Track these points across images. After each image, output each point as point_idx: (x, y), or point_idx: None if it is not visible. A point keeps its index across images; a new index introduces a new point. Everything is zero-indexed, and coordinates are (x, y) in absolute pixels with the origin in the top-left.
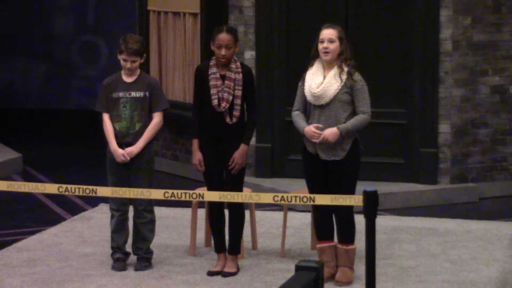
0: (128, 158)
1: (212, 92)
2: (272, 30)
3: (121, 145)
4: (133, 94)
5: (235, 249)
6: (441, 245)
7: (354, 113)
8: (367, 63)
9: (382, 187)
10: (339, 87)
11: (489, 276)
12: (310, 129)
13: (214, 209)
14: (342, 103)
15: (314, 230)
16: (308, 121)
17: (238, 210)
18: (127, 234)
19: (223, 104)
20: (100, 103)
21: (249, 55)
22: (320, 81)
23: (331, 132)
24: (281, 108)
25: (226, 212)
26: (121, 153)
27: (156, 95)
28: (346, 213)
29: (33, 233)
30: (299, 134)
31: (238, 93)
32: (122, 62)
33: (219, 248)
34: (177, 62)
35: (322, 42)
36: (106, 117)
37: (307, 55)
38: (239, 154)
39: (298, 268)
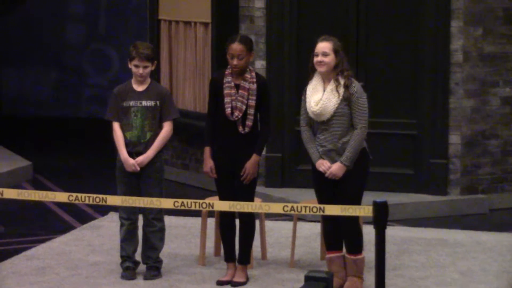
0: (138, 168)
1: (225, 100)
2: (283, 40)
3: (132, 154)
4: (144, 103)
5: (245, 258)
6: (451, 256)
7: None
8: (377, 73)
9: (392, 198)
10: (338, 102)
11: None
12: (319, 166)
13: (225, 218)
14: (343, 117)
15: (323, 240)
16: (315, 135)
17: (248, 219)
18: (137, 243)
19: (236, 113)
20: (110, 111)
21: (260, 64)
22: (319, 98)
23: (337, 167)
24: (291, 118)
25: (237, 221)
26: (131, 163)
27: (166, 104)
28: (351, 223)
29: (43, 241)
30: None
31: (252, 102)
32: (134, 69)
33: (229, 257)
34: (188, 71)
35: (317, 55)
36: (116, 126)
37: None
38: (251, 164)
39: (307, 278)
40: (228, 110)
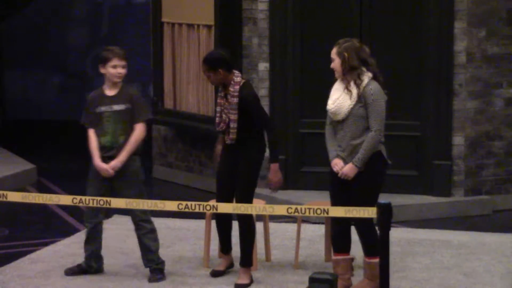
0: (112, 172)
1: (216, 109)
2: (286, 42)
3: (105, 158)
4: (115, 107)
5: (247, 261)
6: (455, 257)
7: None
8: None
9: (396, 200)
10: (353, 103)
11: None
12: (333, 165)
13: (220, 215)
14: (358, 118)
15: (331, 241)
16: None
17: (245, 222)
18: (96, 245)
19: (221, 125)
20: (84, 118)
21: (263, 66)
22: (337, 97)
23: (348, 168)
24: (295, 120)
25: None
26: (105, 168)
27: (137, 106)
28: (364, 225)
29: (47, 244)
30: (313, 146)
31: (232, 117)
32: (112, 71)
33: (224, 249)
34: (191, 74)
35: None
36: (91, 132)
37: (321, 67)
38: (272, 174)
39: (311, 280)
40: (217, 120)
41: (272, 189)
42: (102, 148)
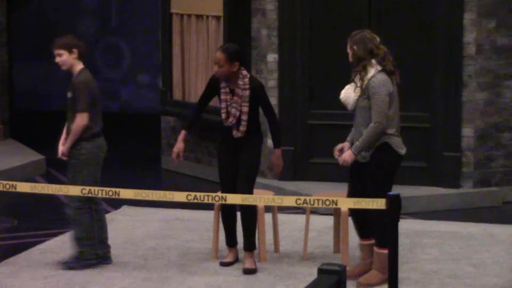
0: (62, 157)
1: (221, 105)
2: (295, 33)
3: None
4: (68, 94)
5: (251, 245)
6: (464, 249)
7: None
8: None
9: (405, 191)
10: (357, 94)
11: None
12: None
13: (226, 207)
14: (363, 110)
15: (355, 229)
16: None
17: (247, 207)
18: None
19: (230, 119)
20: None
21: (272, 58)
22: (347, 88)
23: (347, 154)
24: (304, 111)
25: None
26: (59, 153)
27: (76, 95)
28: (378, 216)
29: (56, 235)
30: (321, 137)
31: (245, 109)
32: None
33: (231, 242)
34: (200, 65)
35: None
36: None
37: (330, 58)
38: (276, 158)
39: (320, 271)
40: (224, 115)
41: (274, 172)
42: (67, 133)
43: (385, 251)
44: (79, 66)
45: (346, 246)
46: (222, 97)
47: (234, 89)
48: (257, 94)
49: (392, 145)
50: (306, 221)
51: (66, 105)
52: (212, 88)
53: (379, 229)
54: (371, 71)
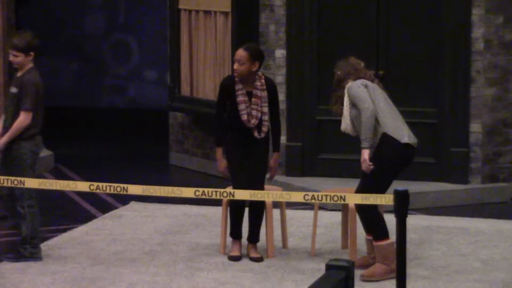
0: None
1: (240, 107)
2: (303, 29)
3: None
4: (12, 89)
5: (257, 237)
6: (472, 244)
7: (377, 117)
8: (398, 62)
9: (413, 187)
10: (347, 110)
11: None
12: None
13: (235, 202)
14: (357, 118)
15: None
16: None
17: (257, 203)
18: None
19: (253, 121)
20: None
21: (280, 53)
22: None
23: (362, 155)
24: (312, 107)
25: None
26: None
27: (22, 93)
28: (358, 212)
29: (64, 231)
30: (329, 133)
31: (265, 109)
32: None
33: (237, 235)
34: (208, 61)
35: None
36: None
37: (338, 54)
38: (275, 163)
39: (328, 267)
40: (245, 117)
41: (270, 175)
42: (4, 127)
43: (382, 243)
44: (30, 65)
45: (354, 242)
46: (240, 99)
47: (251, 91)
48: (273, 95)
49: (391, 134)
50: (314, 217)
51: (7, 99)
52: (226, 94)
53: (367, 224)
54: (349, 83)
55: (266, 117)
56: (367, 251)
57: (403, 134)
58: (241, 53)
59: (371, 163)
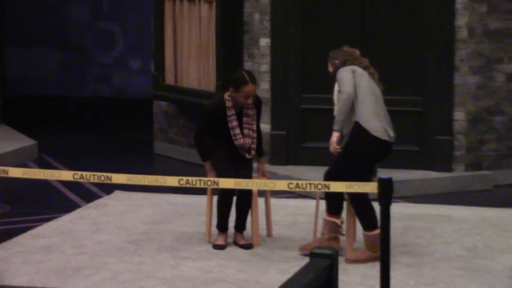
0: None
1: (235, 132)
2: (288, 18)
3: None
4: None
5: (243, 226)
6: (456, 232)
7: (354, 104)
8: (382, 51)
9: (397, 175)
10: (336, 96)
11: (504, 264)
12: None
13: (225, 196)
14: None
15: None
16: None
17: (247, 192)
18: None
19: (248, 141)
20: None
21: (264, 42)
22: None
23: (332, 137)
24: (296, 95)
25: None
26: None
27: None
28: (351, 201)
29: (48, 220)
30: (314, 122)
31: (255, 127)
32: None
33: (224, 228)
34: (192, 50)
35: None
36: None
37: (323, 43)
38: (263, 165)
39: (313, 255)
40: (241, 141)
41: (266, 178)
42: None
43: (371, 233)
44: None
45: (349, 233)
46: (234, 124)
47: (240, 111)
48: (259, 110)
49: (362, 124)
50: (316, 208)
51: None
52: (217, 120)
53: (359, 214)
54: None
55: (255, 134)
56: (322, 231)
57: (376, 127)
58: (255, 87)
59: (338, 147)
